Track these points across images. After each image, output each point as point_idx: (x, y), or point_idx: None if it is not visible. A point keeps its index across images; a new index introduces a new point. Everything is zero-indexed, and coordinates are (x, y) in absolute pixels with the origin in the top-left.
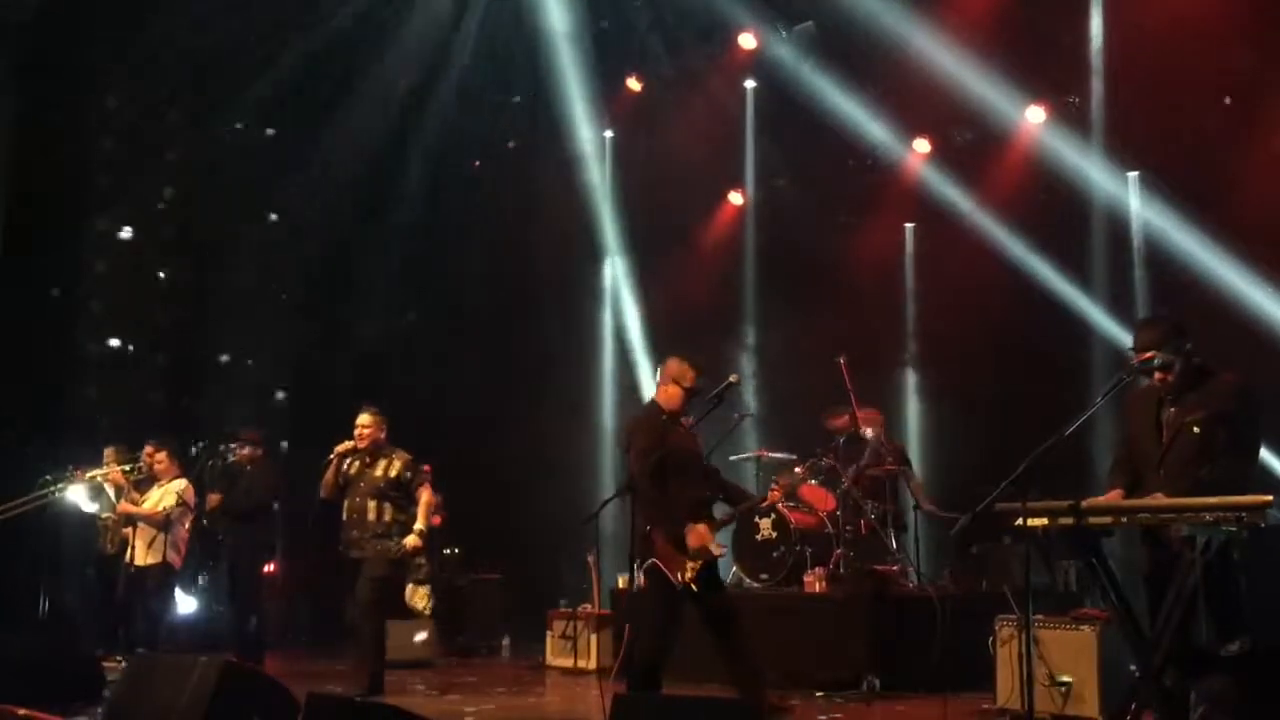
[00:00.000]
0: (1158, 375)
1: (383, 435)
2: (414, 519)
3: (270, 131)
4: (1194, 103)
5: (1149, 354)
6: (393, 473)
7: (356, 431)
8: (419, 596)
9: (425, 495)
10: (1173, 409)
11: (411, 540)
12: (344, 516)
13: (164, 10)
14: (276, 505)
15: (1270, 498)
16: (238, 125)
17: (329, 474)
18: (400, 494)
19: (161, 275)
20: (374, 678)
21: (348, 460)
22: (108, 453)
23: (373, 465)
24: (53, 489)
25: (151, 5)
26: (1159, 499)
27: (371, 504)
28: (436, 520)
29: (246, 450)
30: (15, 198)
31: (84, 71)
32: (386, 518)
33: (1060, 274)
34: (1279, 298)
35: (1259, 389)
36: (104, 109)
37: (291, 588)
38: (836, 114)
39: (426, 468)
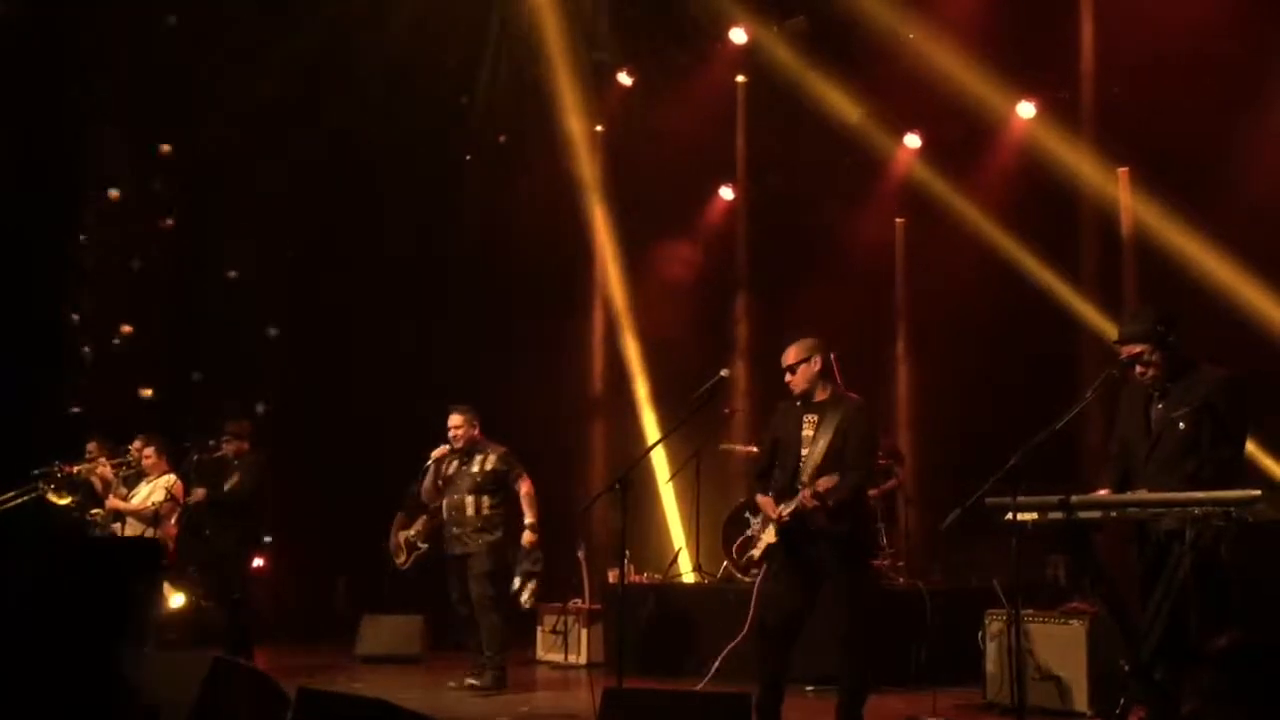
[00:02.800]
0: (1139, 369)
1: (475, 432)
2: (512, 511)
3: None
4: (1184, 97)
5: (1137, 349)
6: (488, 466)
7: (450, 434)
8: (526, 590)
9: (525, 487)
10: (1160, 405)
11: (528, 537)
12: (444, 515)
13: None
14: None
15: (1258, 492)
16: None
17: (428, 480)
18: (498, 486)
19: (151, 268)
20: (498, 672)
21: (446, 461)
22: (91, 447)
23: (469, 462)
24: (39, 484)
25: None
26: (1143, 494)
27: (469, 499)
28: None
29: (233, 444)
30: (6, 192)
31: (75, 63)
32: (485, 511)
33: (1050, 268)
34: (1269, 291)
35: (1245, 380)
36: (96, 100)
37: (281, 581)
38: (827, 108)
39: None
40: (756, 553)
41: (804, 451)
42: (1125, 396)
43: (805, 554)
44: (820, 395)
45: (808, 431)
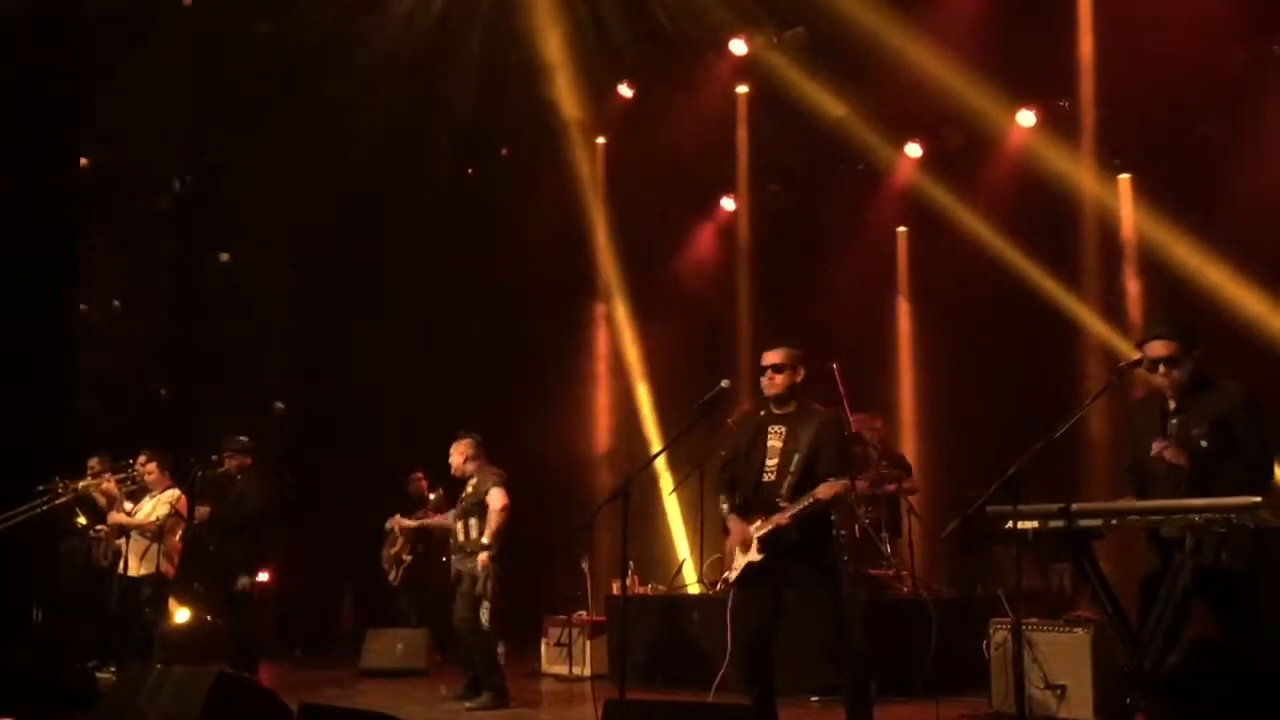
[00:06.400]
0: (1162, 370)
1: (463, 461)
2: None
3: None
4: (1185, 105)
5: (1166, 350)
6: (470, 490)
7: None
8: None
9: (494, 503)
10: (1175, 420)
11: (481, 558)
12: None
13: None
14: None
15: (1259, 499)
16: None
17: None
18: (482, 509)
19: (159, 287)
20: (495, 692)
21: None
22: (93, 463)
23: (464, 487)
24: (48, 500)
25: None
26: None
27: (460, 524)
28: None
29: (236, 460)
30: (11, 206)
31: (74, 83)
32: (474, 535)
33: (1051, 277)
34: (1271, 298)
35: (1258, 400)
36: (101, 117)
37: (285, 596)
38: (828, 119)
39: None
40: (732, 574)
41: (770, 462)
42: (1138, 411)
43: (779, 570)
44: (788, 408)
45: (774, 443)
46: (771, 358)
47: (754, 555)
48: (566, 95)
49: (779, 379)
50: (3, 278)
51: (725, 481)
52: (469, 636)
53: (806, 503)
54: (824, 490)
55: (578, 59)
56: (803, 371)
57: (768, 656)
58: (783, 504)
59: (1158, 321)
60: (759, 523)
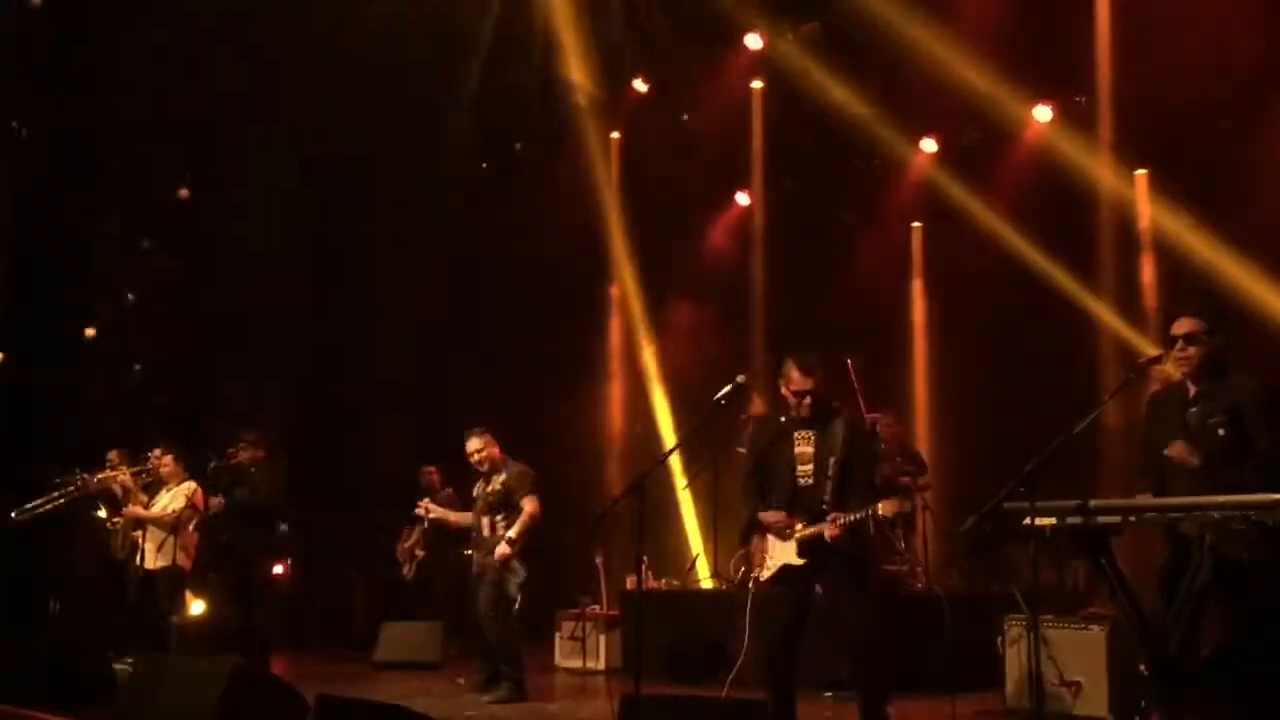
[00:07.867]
0: (1180, 349)
1: (495, 451)
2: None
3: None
4: (1202, 100)
5: (1192, 326)
6: (498, 486)
7: (472, 460)
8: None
9: (529, 506)
10: (1194, 409)
11: (500, 549)
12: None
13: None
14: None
15: (1279, 496)
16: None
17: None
18: (507, 505)
19: (169, 279)
20: (514, 684)
21: (476, 483)
22: (112, 455)
23: (489, 483)
24: (67, 491)
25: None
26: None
27: (484, 520)
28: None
29: (248, 452)
30: (26, 199)
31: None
32: (499, 531)
33: (1068, 272)
34: None
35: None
36: (115, 110)
37: (299, 588)
38: (843, 114)
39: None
40: (765, 574)
41: (804, 467)
42: (1154, 405)
43: (813, 571)
44: (812, 412)
45: (804, 448)
46: (803, 384)
47: (793, 559)
48: (581, 90)
49: (811, 403)
50: (13, 271)
51: (754, 489)
52: (491, 627)
53: (859, 515)
54: (885, 507)
55: (593, 54)
56: (829, 381)
57: (793, 656)
58: (827, 509)
59: (1181, 297)
60: (800, 526)
